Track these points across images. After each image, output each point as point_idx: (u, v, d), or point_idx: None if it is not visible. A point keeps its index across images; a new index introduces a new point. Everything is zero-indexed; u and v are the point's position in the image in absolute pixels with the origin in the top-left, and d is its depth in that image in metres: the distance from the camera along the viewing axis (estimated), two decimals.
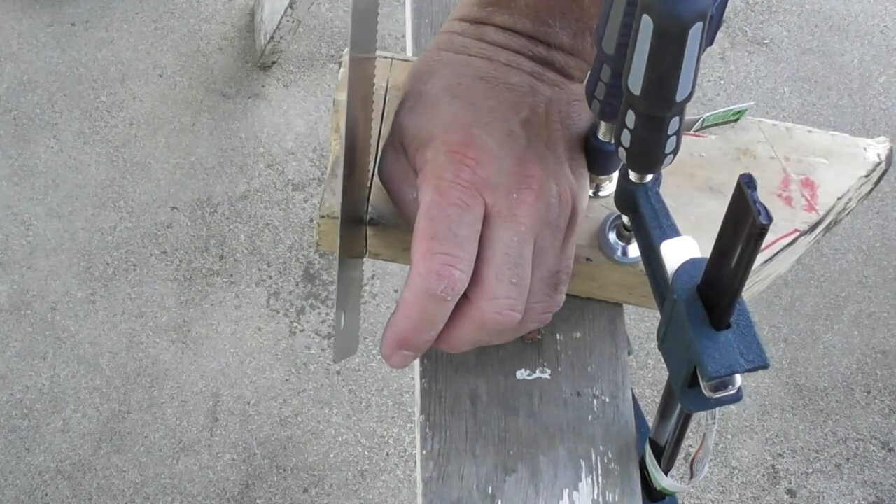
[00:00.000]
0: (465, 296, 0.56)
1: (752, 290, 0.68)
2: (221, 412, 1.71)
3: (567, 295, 0.68)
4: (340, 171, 0.66)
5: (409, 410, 1.72)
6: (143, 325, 1.78)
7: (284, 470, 1.67)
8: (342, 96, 0.69)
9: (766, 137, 0.69)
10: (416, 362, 0.66)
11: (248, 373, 1.74)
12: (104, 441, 1.68)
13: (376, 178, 0.66)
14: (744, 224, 0.42)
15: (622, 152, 0.54)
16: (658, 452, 0.61)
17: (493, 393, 0.65)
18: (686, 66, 0.47)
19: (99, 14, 2.10)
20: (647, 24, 0.46)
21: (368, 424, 1.71)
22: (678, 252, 0.51)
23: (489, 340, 0.59)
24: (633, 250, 0.64)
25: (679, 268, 0.50)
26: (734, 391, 0.49)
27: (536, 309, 0.58)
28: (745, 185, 0.41)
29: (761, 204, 0.41)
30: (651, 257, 0.56)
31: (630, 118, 0.51)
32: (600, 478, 0.62)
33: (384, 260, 0.68)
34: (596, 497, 0.61)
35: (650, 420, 0.62)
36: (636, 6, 0.46)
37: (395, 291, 1.82)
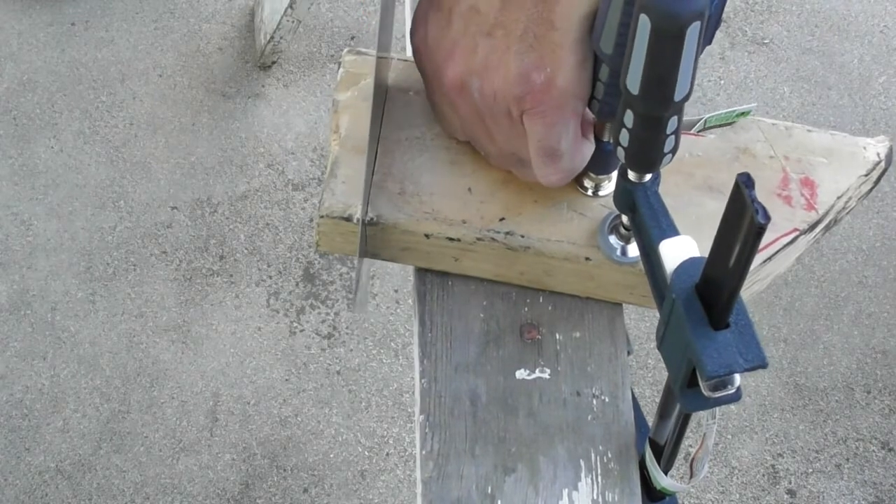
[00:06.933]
0: None
1: (751, 289, 0.68)
2: (221, 412, 1.71)
3: (566, 295, 0.68)
4: (340, 171, 0.66)
5: (409, 410, 1.72)
6: (143, 325, 1.78)
7: (284, 470, 1.67)
8: (342, 96, 0.69)
9: (765, 137, 0.69)
10: (416, 362, 0.66)
11: (248, 373, 1.74)
12: (104, 441, 1.68)
13: (375, 179, 0.66)
14: (742, 223, 0.42)
15: (621, 152, 0.54)
16: (658, 452, 0.61)
17: (493, 393, 0.65)
18: (684, 66, 0.47)
19: (99, 14, 2.10)
20: (644, 23, 0.46)
21: (368, 424, 1.71)
22: (677, 251, 0.51)
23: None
24: (633, 250, 0.64)
25: (678, 267, 0.50)
26: (733, 391, 0.49)
27: (522, 174, 0.64)
28: (743, 184, 0.41)
29: (759, 203, 0.41)
30: (650, 257, 0.56)
31: (628, 118, 0.51)
32: (600, 478, 0.62)
33: (384, 260, 0.68)
34: (595, 497, 0.61)
35: (650, 420, 0.62)
36: (634, 5, 0.46)
37: (396, 291, 1.82)
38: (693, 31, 0.45)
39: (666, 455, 0.60)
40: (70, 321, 1.78)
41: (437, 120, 0.67)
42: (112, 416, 1.70)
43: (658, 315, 0.53)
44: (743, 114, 0.68)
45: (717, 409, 0.53)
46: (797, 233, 0.66)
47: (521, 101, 0.57)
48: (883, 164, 0.70)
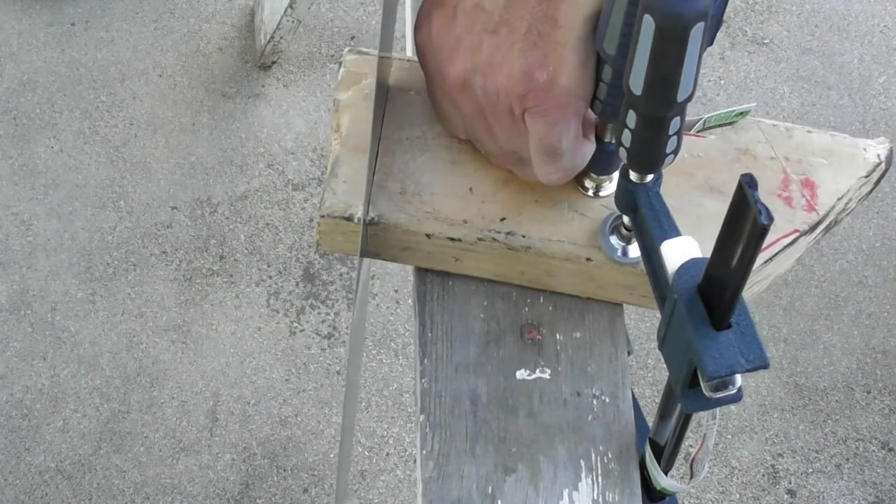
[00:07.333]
0: None
1: (752, 290, 0.68)
2: (221, 412, 1.71)
3: (567, 295, 0.68)
4: (341, 170, 0.66)
5: (409, 410, 1.72)
6: (143, 325, 1.78)
7: (284, 470, 1.67)
8: (343, 95, 0.69)
9: (765, 137, 0.69)
10: (416, 362, 0.66)
11: (248, 373, 1.74)
12: (104, 441, 1.68)
13: (376, 178, 0.66)
14: (745, 224, 0.42)
15: (623, 152, 0.54)
16: (658, 452, 0.61)
17: (493, 393, 0.65)
18: (687, 67, 0.47)
19: (99, 14, 2.10)
20: (648, 24, 0.46)
21: (368, 424, 1.71)
22: (679, 252, 0.51)
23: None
24: (634, 250, 0.64)
25: (680, 268, 0.50)
26: (734, 391, 0.49)
27: (522, 173, 0.64)
28: (747, 185, 0.41)
29: (762, 204, 0.41)
30: (651, 257, 0.56)
31: (631, 118, 0.51)
32: (600, 478, 0.62)
33: (384, 260, 0.68)
34: (596, 497, 0.61)
35: (650, 420, 0.62)
36: (638, 6, 0.46)
37: (396, 291, 1.82)
38: (697, 32, 0.45)
39: (666, 455, 0.60)
40: (70, 321, 1.78)
41: (439, 118, 0.67)
42: (112, 416, 1.70)
43: (659, 315, 0.53)
44: (742, 113, 0.68)
45: (718, 409, 0.53)
46: (798, 234, 0.66)
47: (524, 100, 0.57)
48: (883, 165, 0.70)
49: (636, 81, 0.49)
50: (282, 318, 1.79)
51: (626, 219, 0.62)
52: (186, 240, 1.86)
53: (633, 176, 0.56)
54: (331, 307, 1.80)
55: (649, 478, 0.62)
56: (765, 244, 0.65)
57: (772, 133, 0.69)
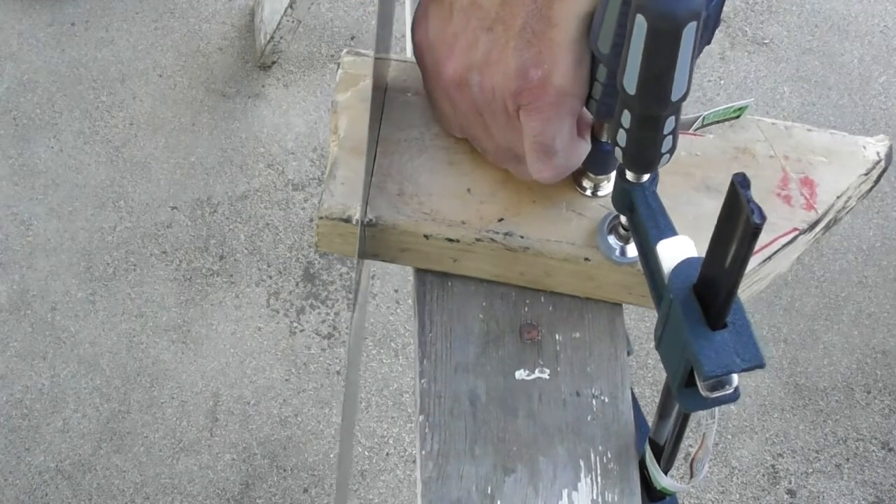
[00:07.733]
0: None
1: (751, 289, 0.68)
2: (221, 412, 1.71)
3: (566, 295, 0.68)
4: (339, 172, 0.66)
5: (409, 410, 1.72)
6: (143, 325, 1.78)
7: (284, 470, 1.67)
8: (341, 97, 0.69)
9: (764, 136, 0.69)
10: (416, 362, 0.66)
11: (248, 373, 1.74)
12: (104, 441, 1.68)
13: (374, 180, 0.66)
14: (738, 223, 0.42)
15: (618, 152, 0.54)
16: (658, 452, 0.61)
17: (493, 393, 0.65)
18: (681, 66, 0.47)
19: (99, 14, 2.10)
20: (640, 23, 0.46)
21: (368, 424, 1.71)
22: (674, 251, 0.51)
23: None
24: (632, 250, 0.64)
25: (675, 267, 0.50)
26: (731, 390, 0.49)
27: (518, 171, 0.64)
28: (739, 184, 0.41)
29: (755, 203, 0.41)
30: (648, 257, 0.56)
31: (626, 118, 0.52)
32: (599, 478, 0.62)
33: (383, 261, 0.68)
34: (595, 497, 0.61)
35: (650, 420, 0.62)
36: (630, 6, 0.46)
37: (396, 291, 1.82)
38: (689, 31, 0.45)
39: (666, 455, 0.60)
40: (70, 321, 1.78)
41: (436, 116, 0.67)
42: (112, 416, 1.70)
43: (657, 315, 0.53)
44: (741, 109, 0.68)
45: (717, 408, 0.53)
46: (797, 232, 0.66)
47: (518, 97, 0.58)
48: (883, 163, 0.70)
49: (630, 81, 0.49)
50: (282, 318, 1.79)
51: (623, 218, 0.62)
52: (186, 240, 1.86)
53: (629, 175, 0.56)
54: (331, 307, 1.80)
55: (649, 477, 0.62)
56: (763, 243, 0.65)
57: (771, 131, 0.69)
